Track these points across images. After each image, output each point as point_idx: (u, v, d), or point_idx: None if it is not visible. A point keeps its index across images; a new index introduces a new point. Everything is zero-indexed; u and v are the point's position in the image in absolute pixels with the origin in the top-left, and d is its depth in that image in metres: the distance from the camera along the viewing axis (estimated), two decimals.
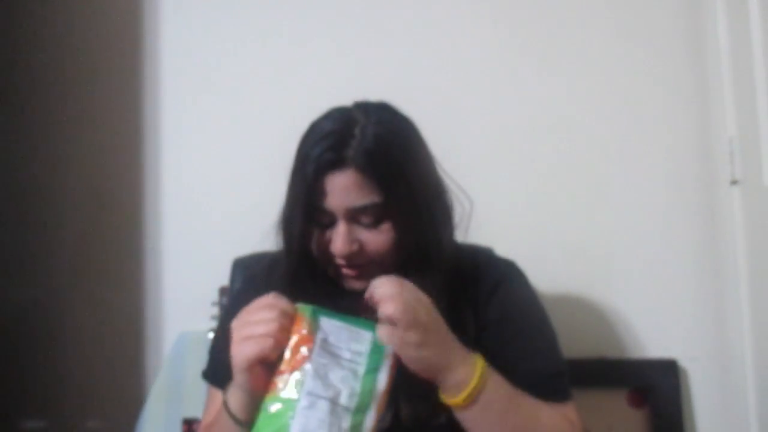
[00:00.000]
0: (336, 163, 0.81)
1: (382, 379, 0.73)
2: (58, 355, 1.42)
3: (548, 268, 1.33)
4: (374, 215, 0.82)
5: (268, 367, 0.73)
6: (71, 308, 1.43)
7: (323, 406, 0.70)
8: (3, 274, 1.41)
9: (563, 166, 1.38)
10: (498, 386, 0.78)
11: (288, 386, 0.71)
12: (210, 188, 1.42)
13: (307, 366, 0.72)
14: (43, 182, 1.45)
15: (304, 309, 0.75)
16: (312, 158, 0.82)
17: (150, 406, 1.26)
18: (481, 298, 0.90)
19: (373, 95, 0.95)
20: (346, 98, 0.92)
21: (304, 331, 0.74)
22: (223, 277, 1.16)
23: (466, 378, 0.75)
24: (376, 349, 0.74)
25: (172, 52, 1.46)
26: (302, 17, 1.44)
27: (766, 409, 1.26)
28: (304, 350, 0.73)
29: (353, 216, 0.82)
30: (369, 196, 0.81)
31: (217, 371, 0.80)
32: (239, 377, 0.74)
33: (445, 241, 0.89)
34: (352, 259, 0.83)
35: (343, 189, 0.81)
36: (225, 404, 0.77)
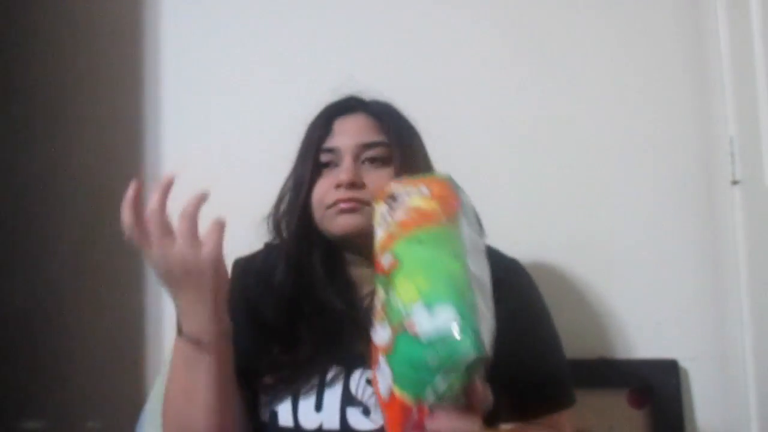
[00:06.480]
0: (347, 109, 0.90)
1: None
2: (58, 355, 1.41)
3: (547, 268, 1.34)
4: (381, 154, 0.87)
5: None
6: (71, 308, 1.43)
7: (481, 254, 0.64)
8: (3, 274, 1.41)
9: (562, 166, 1.37)
10: None
11: (450, 222, 0.64)
12: (210, 188, 1.42)
13: (460, 214, 0.66)
14: (43, 182, 1.45)
15: (440, 174, 0.72)
16: (324, 110, 0.91)
17: (150, 406, 1.26)
18: None
19: (372, 93, 0.96)
20: None
21: (447, 187, 0.69)
22: None
23: None
24: None
25: (172, 51, 1.46)
26: (302, 16, 1.44)
27: (766, 409, 1.26)
28: (452, 201, 0.67)
29: (359, 156, 0.87)
30: (378, 136, 0.88)
31: None
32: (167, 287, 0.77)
33: None
34: (353, 187, 0.85)
35: (353, 127, 0.88)
36: (178, 331, 0.78)
